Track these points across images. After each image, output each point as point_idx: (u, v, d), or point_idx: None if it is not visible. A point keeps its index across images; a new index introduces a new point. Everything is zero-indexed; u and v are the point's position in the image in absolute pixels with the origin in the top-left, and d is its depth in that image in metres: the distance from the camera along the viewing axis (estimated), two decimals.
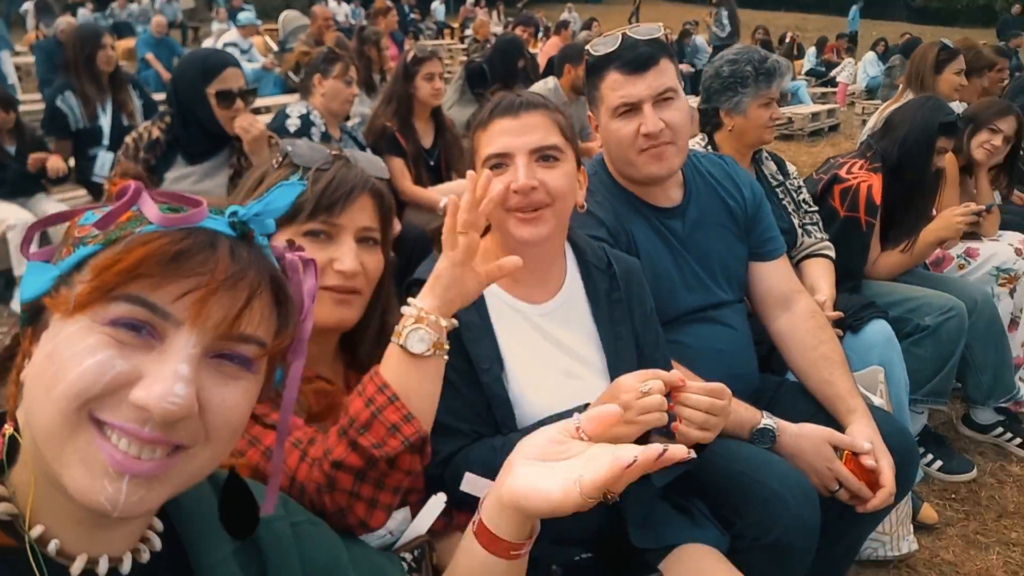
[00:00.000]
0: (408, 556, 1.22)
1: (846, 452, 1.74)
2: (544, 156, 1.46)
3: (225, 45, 9.61)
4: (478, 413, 1.47)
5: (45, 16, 13.25)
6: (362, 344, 1.38)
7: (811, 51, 15.85)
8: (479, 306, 1.50)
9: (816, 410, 1.91)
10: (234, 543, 0.78)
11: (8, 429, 0.68)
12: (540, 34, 11.76)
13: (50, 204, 4.32)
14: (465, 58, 10.12)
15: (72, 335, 0.63)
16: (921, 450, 2.85)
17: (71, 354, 0.62)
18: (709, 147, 2.68)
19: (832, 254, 2.68)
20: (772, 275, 2.04)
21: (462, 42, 16.80)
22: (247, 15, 10.65)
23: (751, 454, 1.72)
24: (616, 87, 1.80)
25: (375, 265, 1.30)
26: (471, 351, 1.46)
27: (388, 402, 1.11)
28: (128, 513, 0.63)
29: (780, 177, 2.79)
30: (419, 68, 3.80)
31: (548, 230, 1.47)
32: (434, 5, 23.73)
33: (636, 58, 1.79)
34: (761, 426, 1.77)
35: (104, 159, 4.35)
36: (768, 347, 2.12)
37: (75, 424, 0.61)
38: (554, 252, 1.59)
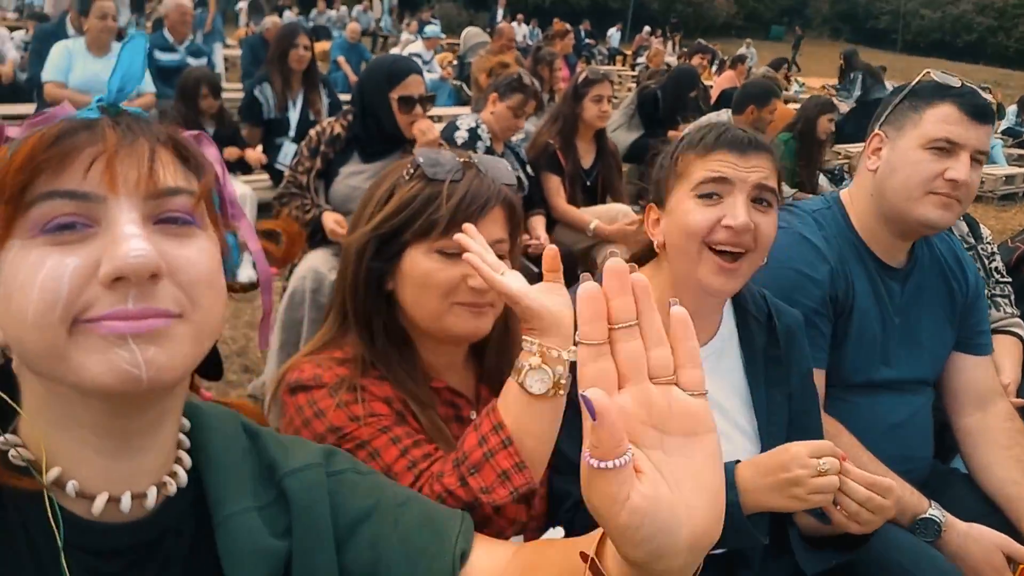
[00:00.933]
0: None
1: (1021, 566, 1.55)
2: (761, 199, 1.37)
3: (410, 55, 10.15)
4: None
5: (256, 15, 14.60)
6: (488, 352, 1.35)
7: (1011, 109, 14.50)
8: None
9: (989, 511, 1.73)
10: (260, 501, 0.76)
11: None
12: (715, 66, 11.54)
13: (237, 185, 4.69)
14: (634, 85, 10.09)
15: (13, 263, 0.62)
16: None
17: (23, 278, 0.61)
18: None
19: (1022, 332, 2.40)
20: (975, 371, 1.88)
21: (633, 69, 16.79)
22: (433, 28, 11.23)
23: (911, 546, 1.56)
24: (948, 121, 1.67)
25: None
26: None
27: (501, 446, 1.09)
28: (154, 371, 0.62)
29: (972, 240, 2.53)
30: (589, 89, 3.83)
31: (740, 284, 1.38)
32: (610, 32, 23.97)
33: (980, 108, 1.69)
34: (927, 515, 1.60)
35: (288, 149, 4.68)
36: (940, 426, 1.93)
37: (66, 335, 0.61)
38: (722, 302, 1.50)
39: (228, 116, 4.92)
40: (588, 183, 4.00)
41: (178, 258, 0.65)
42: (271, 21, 9.33)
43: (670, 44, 20.62)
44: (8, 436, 0.67)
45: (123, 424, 0.67)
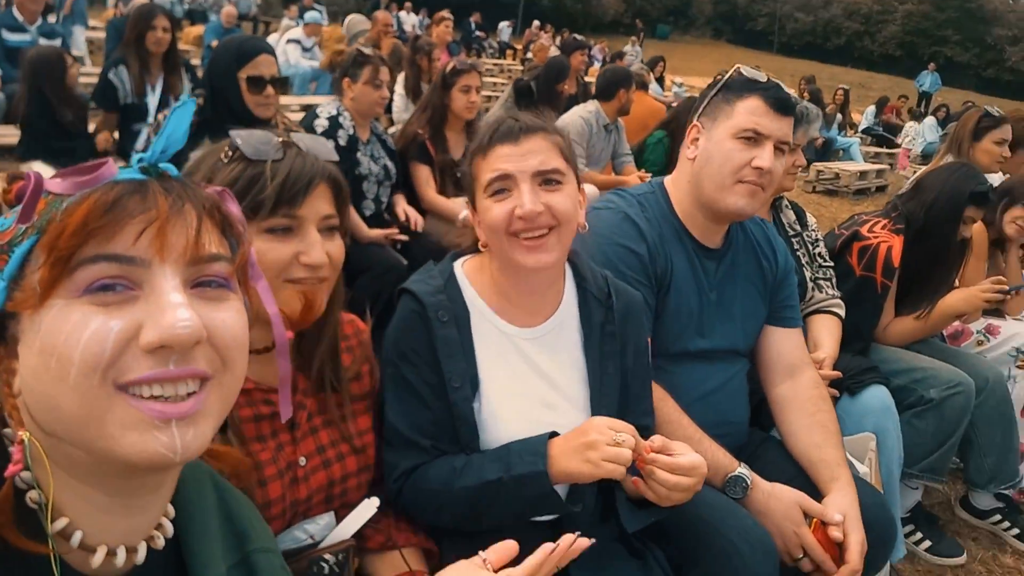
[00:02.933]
0: (330, 559, 1.20)
1: (815, 520, 1.68)
2: (547, 180, 1.43)
3: (288, 41, 9.84)
4: (442, 429, 1.45)
5: None
6: (319, 344, 1.34)
7: (870, 110, 15.64)
8: (461, 322, 1.48)
9: (796, 473, 1.86)
10: (227, 561, 0.80)
11: (24, 434, 0.68)
12: (598, 63, 11.80)
13: None
14: None
15: (55, 322, 0.63)
16: (910, 527, 2.75)
17: (64, 338, 0.62)
18: None
19: (842, 312, 2.61)
20: (785, 343, 2.02)
21: (522, 64, 16.95)
22: (313, 14, 10.91)
23: (718, 502, 1.67)
24: (756, 113, 1.79)
25: (338, 252, 1.28)
26: (444, 367, 1.44)
27: None
28: (189, 453, 0.65)
29: (798, 227, 2.73)
30: (456, 79, 3.83)
31: (555, 256, 1.44)
32: (501, 25, 24.06)
33: (784, 101, 1.82)
34: (735, 474, 1.72)
35: (146, 135, 4.46)
36: (758, 399, 2.08)
37: (105, 399, 0.62)
38: (554, 276, 1.56)
39: (83, 100, 4.64)
40: (459, 174, 4.02)
41: (214, 320, 0.67)
42: (138, 2, 8.85)
43: (559, 39, 20.93)
44: (25, 474, 0.67)
45: (133, 487, 0.70)
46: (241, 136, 1.22)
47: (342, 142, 3.42)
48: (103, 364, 0.61)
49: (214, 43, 9.55)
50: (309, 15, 10.47)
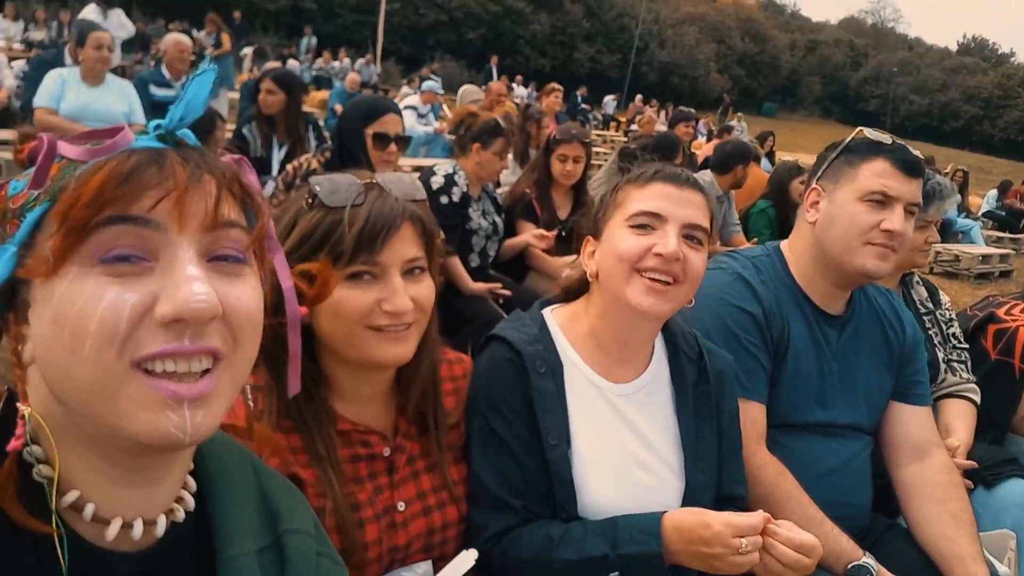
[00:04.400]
0: None
1: None
2: (692, 236, 1.40)
3: (406, 107, 10.36)
4: (533, 489, 1.38)
5: (259, 61, 14.91)
6: (415, 383, 1.31)
7: (991, 193, 14.91)
8: (556, 373, 1.43)
9: (924, 565, 1.71)
10: (259, 542, 0.77)
11: (26, 409, 0.66)
12: (701, 137, 11.78)
13: None
14: None
15: (69, 291, 0.61)
16: None
17: (78, 309, 0.60)
18: None
19: (977, 398, 2.41)
20: (913, 421, 1.89)
21: (625, 135, 17.15)
22: (430, 83, 11.47)
23: None
24: (883, 175, 1.75)
25: (426, 294, 1.23)
26: (541, 422, 1.38)
27: None
28: (198, 435, 0.63)
29: (930, 305, 2.57)
30: (556, 147, 3.93)
31: (669, 308, 1.40)
32: (606, 99, 24.56)
33: (912, 163, 1.77)
34: (860, 563, 1.59)
35: (271, 188, 4.73)
36: (884, 484, 1.93)
37: (121, 375, 0.61)
38: (653, 332, 1.51)
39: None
40: (563, 233, 4.06)
41: (229, 296, 0.65)
42: (271, 67, 9.54)
43: (663, 113, 21.11)
44: (34, 448, 0.66)
45: (144, 462, 0.68)
46: (320, 182, 1.19)
47: (455, 198, 3.51)
48: (119, 337, 0.60)
49: (337, 107, 10.12)
50: (426, 84, 11.00)
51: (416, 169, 7.16)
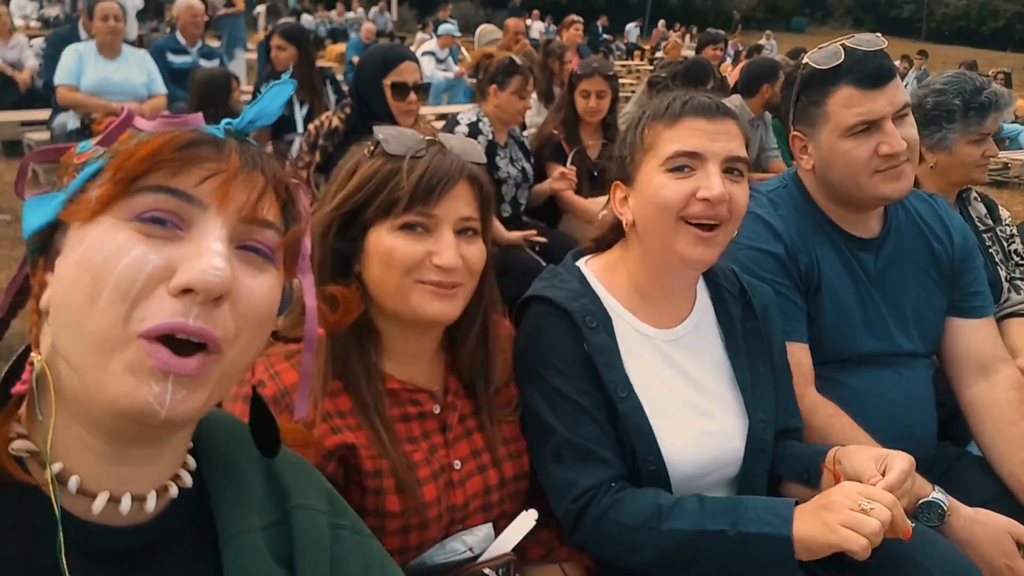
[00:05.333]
0: (491, 574, 1.14)
1: None
2: (733, 168, 1.31)
3: (423, 53, 10.17)
4: (611, 444, 1.33)
5: (273, 19, 14.67)
6: (465, 344, 1.30)
7: None
8: (608, 327, 1.37)
9: (1002, 494, 1.64)
10: (265, 519, 0.74)
11: (36, 356, 0.66)
12: (728, 59, 11.38)
13: None
14: None
15: (100, 236, 0.62)
16: None
17: (104, 257, 0.61)
18: None
19: None
20: (974, 336, 1.77)
21: (651, 64, 16.67)
22: (446, 27, 11.24)
23: (914, 531, 1.48)
24: (851, 104, 1.60)
25: (477, 256, 1.22)
26: (604, 375, 1.33)
27: None
28: (174, 415, 0.62)
29: (989, 222, 2.44)
30: (578, 83, 3.78)
31: (717, 253, 1.33)
32: (628, 27, 23.85)
33: (874, 71, 1.60)
34: (930, 499, 1.52)
35: (297, 146, 4.68)
36: (951, 411, 1.84)
37: (123, 336, 0.61)
38: (697, 276, 1.44)
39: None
40: (595, 173, 3.94)
41: (244, 286, 0.66)
42: (285, 24, 9.39)
43: (687, 37, 20.43)
44: (17, 427, 0.67)
45: (130, 435, 0.67)
46: (384, 131, 1.21)
47: (481, 147, 3.40)
48: (131, 296, 0.61)
49: (355, 59, 9.96)
50: (443, 28, 10.77)
51: (440, 117, 7.06)
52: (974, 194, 2.46)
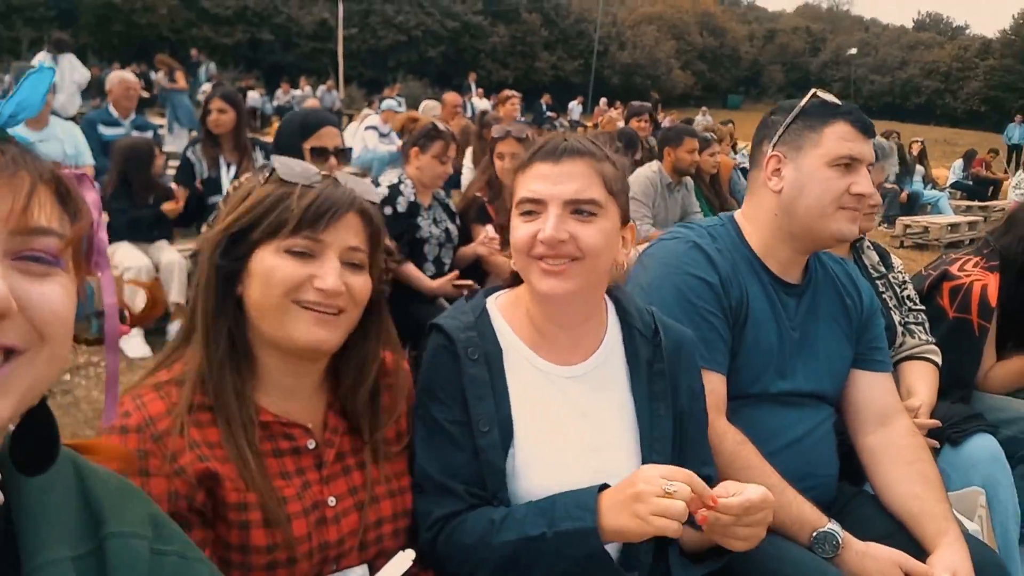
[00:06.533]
0: None
1: None
2: (579, 210, 1.35)
3: (367, 128, 10.31)
4: (476, 474, 1.34)
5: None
6: (347, 382, 1.30)
7: (957, 163, 15.05)
8: (492, 361, 1.39)
9: (894, 531, 1.67)
10: (76, 549, 0.70)
11: None
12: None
13: (170, 252, 4.64)
14: None
15: None
16: None
17: None
18: None
19: (937, 359, 2.39)
20: (875, 388, 1.86)
21: None
22: (389, 102, 11.44)
23: (805, 561, 1.51)
24: (846, 138, 1.73)
25: (361, 286, 1.22)
26: (472, 409, 1.35)
27: None
28: None
29: (882, 269, 2.55)
30: (495, 147, 3.87)
31: (573, 286, 1.35)
32: (571, 105, 24.68)
33: (868, 123, 1.78)
34: (824, 530, 1.55)
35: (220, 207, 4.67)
36: (847, 450, 1.88)
37: None
38: (588, 310, 1.46)
39: (166, 189, 4.91)
40: None
41: (31, 293, 0.62)
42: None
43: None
44: None
45: None
46: (280, 160, 1.23)
47: (401, 208, 3.46)
48: None
49: None
50: (386, 103, 10.97)
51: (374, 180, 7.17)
52: (867, 243, 2.58)
